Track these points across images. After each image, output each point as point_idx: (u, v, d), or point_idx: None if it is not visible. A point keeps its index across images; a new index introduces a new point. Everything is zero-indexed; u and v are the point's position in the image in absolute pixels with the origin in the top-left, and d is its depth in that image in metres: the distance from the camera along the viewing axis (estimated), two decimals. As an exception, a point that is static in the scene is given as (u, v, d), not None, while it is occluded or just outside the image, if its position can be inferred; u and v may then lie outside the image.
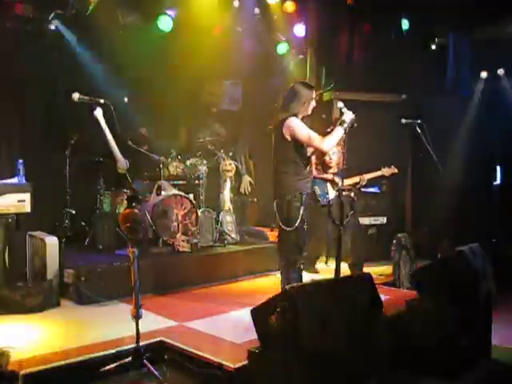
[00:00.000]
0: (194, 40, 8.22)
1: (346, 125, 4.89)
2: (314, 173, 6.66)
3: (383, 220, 7.89)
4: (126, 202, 5.93)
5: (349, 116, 4.91)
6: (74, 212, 6.85)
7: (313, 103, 5.07)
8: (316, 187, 6.69)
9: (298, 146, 4.94)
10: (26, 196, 5.70)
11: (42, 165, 6.82)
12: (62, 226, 6.62)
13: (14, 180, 5.80)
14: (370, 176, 6.70)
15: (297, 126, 4.87)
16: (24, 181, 5.85)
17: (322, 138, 4.90)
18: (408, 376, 3.66)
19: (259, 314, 3.62)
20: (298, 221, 4.87)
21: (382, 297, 5.55)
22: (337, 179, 6.52)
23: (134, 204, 3.89)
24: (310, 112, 5.07)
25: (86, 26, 7.06)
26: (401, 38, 8.27)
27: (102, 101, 3.94)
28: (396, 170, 6.81)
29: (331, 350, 3.30)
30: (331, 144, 4.96)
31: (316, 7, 8.39)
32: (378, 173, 6.74)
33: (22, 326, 4.77)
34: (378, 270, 6.94)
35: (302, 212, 4.88)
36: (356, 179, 6.57)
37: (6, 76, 6.68)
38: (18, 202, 5.63)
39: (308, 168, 5.12)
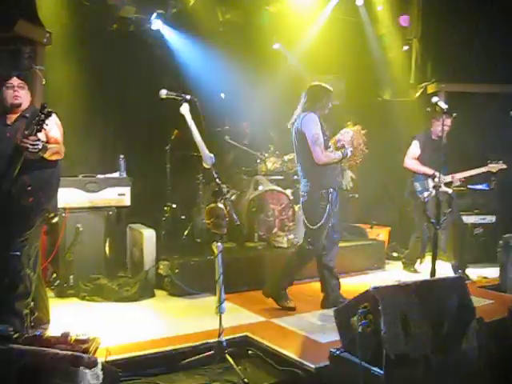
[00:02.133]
0: (296, 34, 8.20)
1: (346, 151, 5.00)
2: (413, 168, 6.44)
3: (492, 219, 7.42)
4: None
5: (348, 150, 5.02)
6: (174, 206, 7.06)
7: (329, 105, 5.13)
8: (417, 184, 6.45)
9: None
10: (126, 190, 5.96)
11: (144, 161, 7.08)
12: (162, 219, 6.83)
13: (115, 174, 6.05)
14: (467, 174, 6.30)
15: (312, 122, 4.93)
16: (125, 175, 6.09)
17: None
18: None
19: (342, 315, 3.55)
20: (323, 219, 4.91)
21: (485, 301, 5.31)
22: (437, 174, 6.23)
23: (218, 199, 3.90)
24: (325, 112, 5.11)
25: (186, 25, 7.22)
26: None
27: (188, 96, 3.97)
28: (505, 166, 6.34)
29: (413, 353, 3.15)
30: (327, 161, 4.94)
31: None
32: (482, 169, 6.32)
33: (116, 314, 4.99)
34: (483, 273, 6.56)
35: (328, 209, 4.91)
36: (448, 178, 6.24)
37: (111, 76, 6.99)
38: (118, 195, 5.89)
39: None
